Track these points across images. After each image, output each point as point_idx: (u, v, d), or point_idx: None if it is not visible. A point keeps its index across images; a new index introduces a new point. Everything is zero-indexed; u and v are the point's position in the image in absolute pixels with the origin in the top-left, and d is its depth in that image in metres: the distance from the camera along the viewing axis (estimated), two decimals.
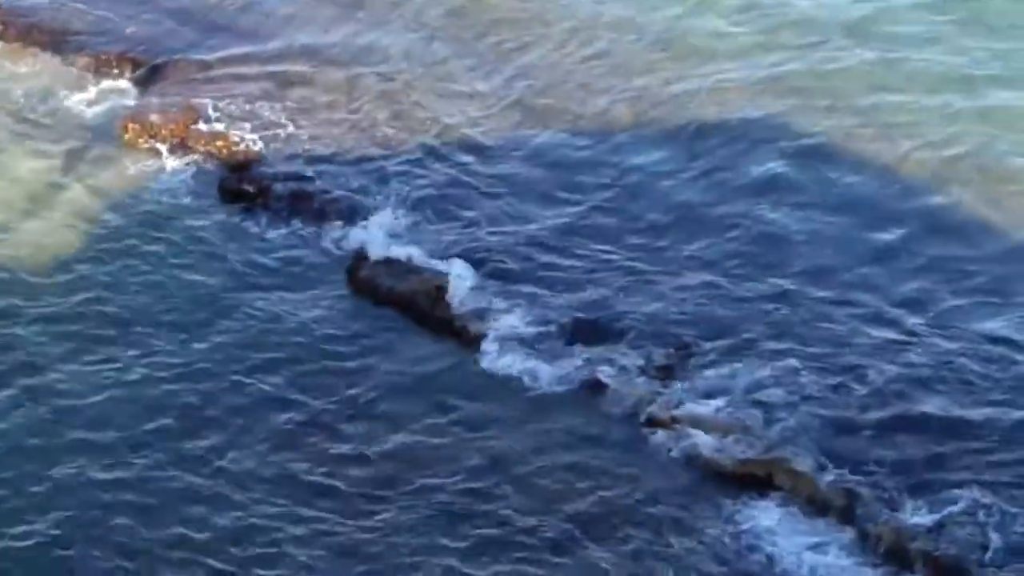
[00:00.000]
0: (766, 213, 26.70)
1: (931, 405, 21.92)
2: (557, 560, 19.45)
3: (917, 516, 19.84)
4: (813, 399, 21.98)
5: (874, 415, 21.65)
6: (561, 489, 20.63)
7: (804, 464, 20.53)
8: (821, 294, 24.62)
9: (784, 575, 19.19)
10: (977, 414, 21.74)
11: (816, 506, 20.12)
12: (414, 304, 24.35)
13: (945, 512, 19.81)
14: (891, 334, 23.41)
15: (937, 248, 25.70)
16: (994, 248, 25.67)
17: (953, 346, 23.11)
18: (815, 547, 19.60)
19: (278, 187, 27.80)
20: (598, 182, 27.87)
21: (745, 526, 19.94)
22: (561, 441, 21.57)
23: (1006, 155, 27.91)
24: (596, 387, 22.43)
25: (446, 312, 24.09)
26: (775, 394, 22.12)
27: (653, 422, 21.73)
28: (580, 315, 24.04)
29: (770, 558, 19.43)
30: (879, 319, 23.83)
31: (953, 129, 28.68)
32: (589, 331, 23.70)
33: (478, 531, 19.99)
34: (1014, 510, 19.93)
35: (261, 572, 19.32)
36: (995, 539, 19.37)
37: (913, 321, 23.66)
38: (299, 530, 19.96)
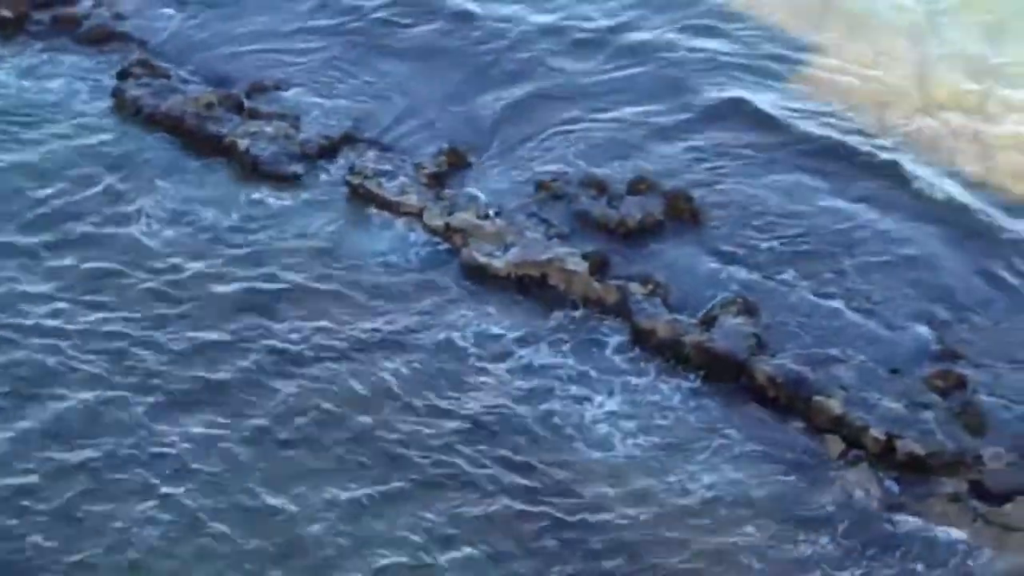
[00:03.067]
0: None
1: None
2: (332, 371, 18.51)
3: (690, 311, 19.40)
4: (582, 200, 21.29)
5: (642, 216, 21.04)
6: (334, 301, 19.64)
7: (577, 264, 19.84)
8: (574, 97, 24.40)
9: (560, 369, 18.52)
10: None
11: (591, 304, 19.50)
12: (181, 123, 22.98)
13: (717, 307, 19.36)
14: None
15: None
16: None
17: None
18: (591, 343, 19.00)
19: (39, 13, 26.13)
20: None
21: (520, 327, 19.21)
22: (329, 250, 20.60)
23: None
24: (368, 196, 21.44)
25: (216, 128, 22.77)
26: (547, 198, 21.45)
27: (427, 229, 20.86)
28: (349, 125, 23.07)
29: (546, 355, 18.76)
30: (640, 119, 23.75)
31: None
32: (360, 141, 22.78)
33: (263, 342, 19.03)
34: (780, 301, 19.70)
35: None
36: (765, 331, 18.98)
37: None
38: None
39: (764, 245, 20.81)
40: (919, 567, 16.13)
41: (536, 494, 16.81)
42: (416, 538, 16.20)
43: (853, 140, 23.36)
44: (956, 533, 16.49)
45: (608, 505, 16.72)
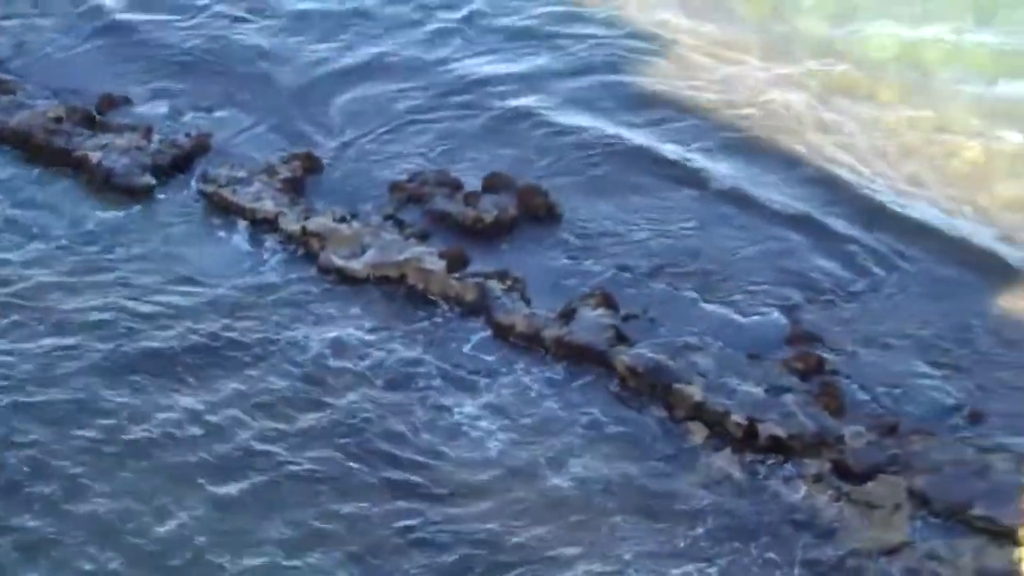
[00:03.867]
0: None
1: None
2: (191, 378, 17.84)
3: (549, 305, 19.04)
4: (437, 199, 20.92)
5: (497, 212, 20.73)
6: (192, 309, 18.94)
7: (434, 263, 19.45)
8: (417, 97, 24.17)
9: (423, 368, 18.08)
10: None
11: (450, 302, 19.13)
12: (30, 139, 22.19)
13: (576, 300, 19.02)
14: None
15: None
16: None
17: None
18: (453, 341, 18.62)
19: None
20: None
21: (381, 328, 18.72)
22: (186, 259, 19.97)
23: None
24: (223, 204, 20.87)
25: (66, 142, 22.02)
26: (402, 199, 21.09)
27: (283, 235, 20.32)
28: (201, 135, 22.48)
29: (408, 355, 18.28)
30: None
31: None
32: (212, 150, 22.22)
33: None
34: (637, 293, 19.49)
35: None
36: (623, 322, 18.68)
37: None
38: None
39: (619, 238, 20.56)
40: (785, 549, 15.88)
41: (404, 494, 16.30)
42: (282, 539, 15.65)
43: (702, 132, 23.19)
44: (821, 513, 16.29)
45: (476, 501, 16.28)
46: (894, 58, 25.48)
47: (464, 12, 26.93)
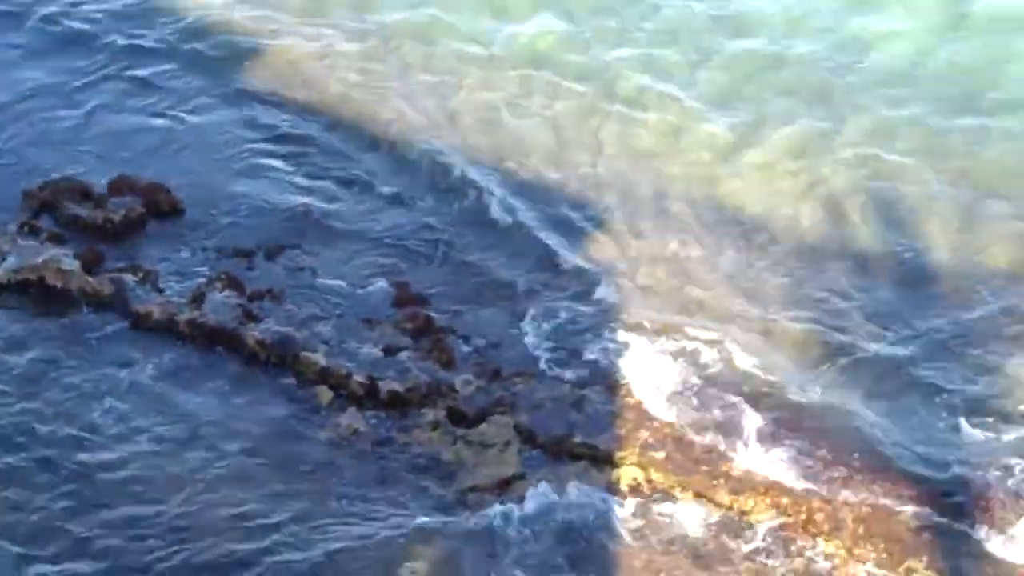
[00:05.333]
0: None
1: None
2: None
3: (181, 292, 19.64)
4: (68, 205, 20.98)
5: (125, 212, 20.98)
6: None
7: (70, 263, 19.70)
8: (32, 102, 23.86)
9: (65, 366, 18.40)
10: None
11: (89, 298, 19.43)
12: None
13: (204, 284, 19.61)
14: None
15: None
16: None
17: None
18: (93, 334, 18.96)
19: None
20: None
21: (23, 330, 18.91)
22: None
23: None
24: None
25: None
26: (36, 207, 21.10)
27: None
28: None
29: (50, 354, 18.56)
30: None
31: None
32: None
33: None
34: (260, 274, 20.11)
35: None
36: (250, 301, 19.42)
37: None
38: None
39: (239, 226, 21.09)
40: (412, 492, 16.89)
41: (53, 486, 16.66)
42: None
43: (313, 121, 23.71)
44: (441, 456, 17.38)
45: (125, 484, 16.74)
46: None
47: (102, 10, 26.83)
